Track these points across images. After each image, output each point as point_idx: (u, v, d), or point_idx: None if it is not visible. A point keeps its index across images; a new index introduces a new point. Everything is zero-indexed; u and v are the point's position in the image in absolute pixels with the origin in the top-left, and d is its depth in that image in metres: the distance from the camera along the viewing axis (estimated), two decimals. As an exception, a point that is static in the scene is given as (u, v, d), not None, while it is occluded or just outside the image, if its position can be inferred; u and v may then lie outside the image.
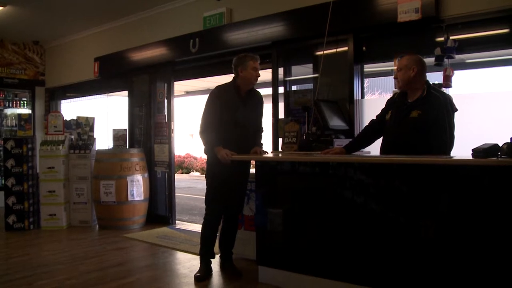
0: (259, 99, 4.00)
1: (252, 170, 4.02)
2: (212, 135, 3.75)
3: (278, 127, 5.09)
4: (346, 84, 4.56)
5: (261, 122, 4.06)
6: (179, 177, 7.11)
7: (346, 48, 4.57)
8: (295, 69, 5.35)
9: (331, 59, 4.63)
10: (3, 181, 6.40)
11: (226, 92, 3.83)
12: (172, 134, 6.42)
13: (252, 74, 3.79)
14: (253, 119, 3.93)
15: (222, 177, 3.81)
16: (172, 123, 6.43)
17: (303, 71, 5.28)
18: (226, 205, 3.96)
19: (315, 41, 4.74)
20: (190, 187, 12.52)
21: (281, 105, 5.26)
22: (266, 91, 5.07)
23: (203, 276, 3.86)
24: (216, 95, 3.81)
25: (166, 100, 6.59)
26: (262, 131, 4.07)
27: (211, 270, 3.99)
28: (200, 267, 3.95)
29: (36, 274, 4.04)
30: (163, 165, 6.55)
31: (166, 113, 6.57)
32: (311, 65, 5.07)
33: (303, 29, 4.80)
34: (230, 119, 3.77)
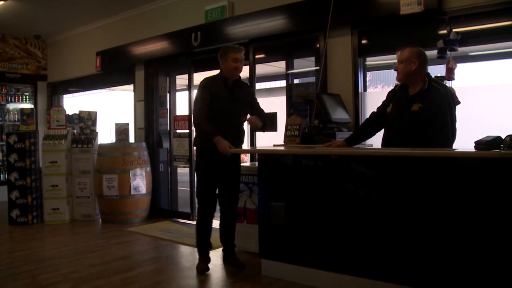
0: (247, 88, 4.09)
1: (255, 163, 4.03)
2: (208, 125, 3.74)
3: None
4: (348, 77, 4.55)
5: (257, 107, 4.07)
6: (182, 170, 7.09)
7: (348, 41, 4.55)
8: (297, 62, 5.34)
9: (333, 52, 4.62)
10: (6, 176, 6.42)
11: (213, 83, 3.88)
12: (193, 128, 6.29)
13: (231, 65, 3.80)
14: (242, 108, 3.93)
15: (213, 169, 3.85)
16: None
17: (305, 64, 5.27)
18: (218, 196, 4.00)
19: (317, 34, 4.73)
20: (193, 180, 12.49)
21: (283, 98, 5.26)
22: (267, 85, 5.07)
23: (202, 268, 3.90)
24: (204, 86, 3.85)
25: (168, 94, 6.59)
26: (263, 112, 4.09)
27: (209, 260, 4.00)
28: (198, 260, 3.99)
29: (40, 267, 4.06)
30: (183, 160, 6.31)
31: (168, 107, 6.58)
32: (313, 58, 5.06)
33: (305, 22, 4.78)
34: (218, 110, 3.78)
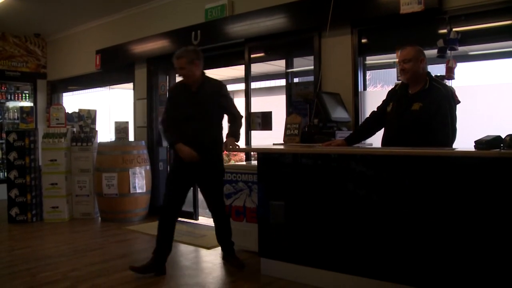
0: (214, 89, 3.85)
1: (254, 162, 4.02)
2: (171, 134, 3.80)
3: (250, 121, 5.28)
4: (348, 76, 4.54)
5: (229, 109, 3.88)
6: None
7: (348, 40, 4.54)
8: (297, 61, 5.34)
9: (332, 51, 4.62)
10: (5, 174, 6.41)
11: (176, 90, 3.91)
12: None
13: (178, 72, 3.79)
14: (206, 111, 3.79)
15: (180, 172, 3.82)
16: None
17: (305, 63, 5.27)
18: (205, 199, 4.01)
19: (317, 33, 4.72)
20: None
21: (283, 97, 5.26)
22: (266, 84, 5.08)
23: (137, 268, 3.74)
24: (169, 92, 3.89)
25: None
26: (237, 117, 3.89)
27: (151, 270, 3.73)
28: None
29: (40, 266, 4.06)
30: None
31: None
32: (313, 57, 5.04)
33: (305, 21, 4.77)
34: (182, 116, 3.77)
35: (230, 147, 3.76)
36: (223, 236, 4.07)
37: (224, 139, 3.82)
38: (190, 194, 6.19)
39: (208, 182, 3.94)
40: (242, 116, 3.95)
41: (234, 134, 3.81)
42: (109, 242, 4.96)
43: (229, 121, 3.89)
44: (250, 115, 5.32)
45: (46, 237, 5.34)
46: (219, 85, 3.90)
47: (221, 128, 3.97)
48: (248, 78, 5.49)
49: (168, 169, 4.05)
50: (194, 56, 3.73)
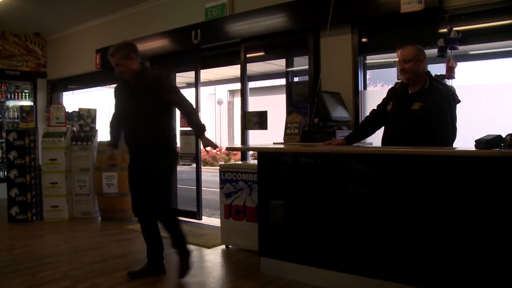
0: (152, 82, 3.59)
1: (254, 161, 4.01)
2: (111, 133, 3.81)
3: (246, 120, 5.28)
4: (348, 76, 4.54)
5: (174, 102, 3.62)
6: (181, 168, 7.06)
7: (348, 40, 4.54)
8: (297, 60, 5.34)
9: (333, 51, 4.61)
10: (5, 173, 6.41)
11: (118, 88, 3.81)
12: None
13: (115, 68, 3.60)
14: (144, 106, 3.54)
15: (129, 174, 3.76)
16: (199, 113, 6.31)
17: (305, 62, 5.27)
18: (143, 202, 3.69)
19: (317, 32, 4.72)
20: (192, 178, 12.48)
21: (283, 96, 5.27)
22: (267, 83, 5.09)
23: (135, 273, 3.71)
24: (114, 90, 3.80)
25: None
26: (187, 109, 3.64)
27: (150, 273, 3.72)
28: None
29: (40, 265, 4.06)
30: (189, 158, 6.18)
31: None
32: (313, 56, 5.04)
33: (306, 20, 4.77)
34: (123, 113, 3.71)
35: (207, 148, 3.65)
36: (156, 246, 3.81)
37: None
38: (193, 194, 6.24)
39: (143, 180, 3.60)
40: (192, 106, 3.71)
41: (197, 130, 3.64)
42: (109, 241, 4.96)
43: (182, 116, 3.73)
44: (246, 115, 5.33)
45: (46, 236, 5.34)
46: (158, 78, 3.64)
47: (168, 123, 3.67)
48: (244, 77, 5.51)
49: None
50: (128, 50, 3.56)
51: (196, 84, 6.25)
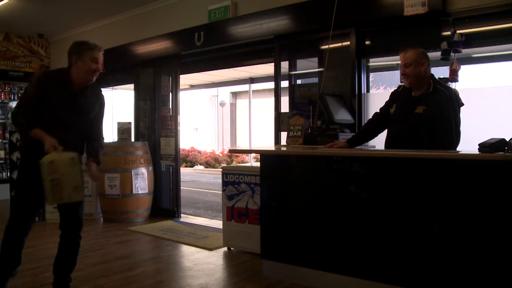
0: (97, 99, 3.24)
1: (257, 164, 4.01)
2: (29, 117, 2.97)
3: (280, 121, 5.12)
4: (351, 78, 4.54)
5: (99, 128, 3.28)
6: (183, 170, 7.09)
7: (350, 42, 4.54)
8: (300, 63, 5.33)
9: (336, 53, 4.61)
10: (9, 174, 6.42)
11: (55, 81, 3.11)
12: (178, 128, 6.43)
13: (89, 66, 3.10)
14: (83, 122, 3.15)
15: (35, 171, 2.91)
16: (178, 116, 6.43)
17: (308, 65, 5.27)
18: (35, 211, 3.22)
19: (320, 35, 4.72)
20: (194, 180, 12.49)
21: (285, 99, 5.25)
22: (269, 85, 5.09)
23: None
24: (42, 81, 3.07)
25: (171, 94, 6.59)
26: (102, 140, 3.29)
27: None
28: None
29: (42, 266, 4.05)
30: (169, 159, 6.54)
31: (171, 107, 6.59)
32: (316, 59, 5.05)
33: (308, 23, 4.77)
34: (52, 116, 3.03)
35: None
36: (61, 268, 3.23)
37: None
38: (193, 195, 6.27)
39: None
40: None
41: (98, 163, 3.19)
42: (111, 243, 4.96)
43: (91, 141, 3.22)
44: (280, 116, 5.12)
45: (48, 237, 5.33)
46: (102, 96, 3.29)
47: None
48: (278, 76, 5.30)
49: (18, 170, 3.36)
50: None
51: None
